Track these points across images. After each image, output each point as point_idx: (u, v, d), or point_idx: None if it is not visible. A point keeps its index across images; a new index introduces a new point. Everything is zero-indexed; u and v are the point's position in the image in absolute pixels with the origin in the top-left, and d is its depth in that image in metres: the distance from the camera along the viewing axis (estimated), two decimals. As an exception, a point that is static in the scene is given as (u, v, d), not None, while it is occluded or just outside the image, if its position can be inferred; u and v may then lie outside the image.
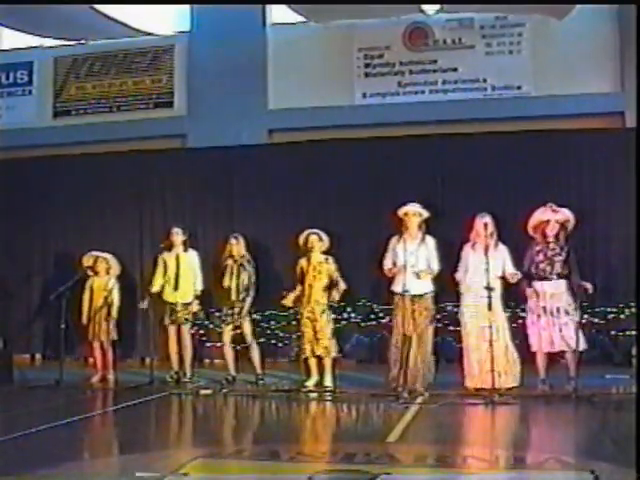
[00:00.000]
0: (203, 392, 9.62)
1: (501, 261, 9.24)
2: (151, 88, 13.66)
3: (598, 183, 11.51)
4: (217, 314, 11.58)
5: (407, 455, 6.19)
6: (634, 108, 10.90)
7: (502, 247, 9.36)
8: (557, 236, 9.32)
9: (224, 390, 9.65)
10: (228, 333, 10.34)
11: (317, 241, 9.99)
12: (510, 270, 9.21)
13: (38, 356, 13.09)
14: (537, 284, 9.25)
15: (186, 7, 13.50)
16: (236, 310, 10.27)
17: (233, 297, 10.29)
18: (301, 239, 10.03)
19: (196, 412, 9.13)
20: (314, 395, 9.41)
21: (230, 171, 12.56)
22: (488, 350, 8.84)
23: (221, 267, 10.47)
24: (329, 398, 9.21)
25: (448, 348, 10.77)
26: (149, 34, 13.09)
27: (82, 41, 13.72)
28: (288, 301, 10.10)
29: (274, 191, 12.27)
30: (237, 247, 10.40)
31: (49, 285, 12.25)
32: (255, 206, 12.32)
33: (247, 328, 10.30)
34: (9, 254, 13.04)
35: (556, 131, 11.70)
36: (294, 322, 11.07)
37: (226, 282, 10.35)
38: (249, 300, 10.30)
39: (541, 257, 9.27)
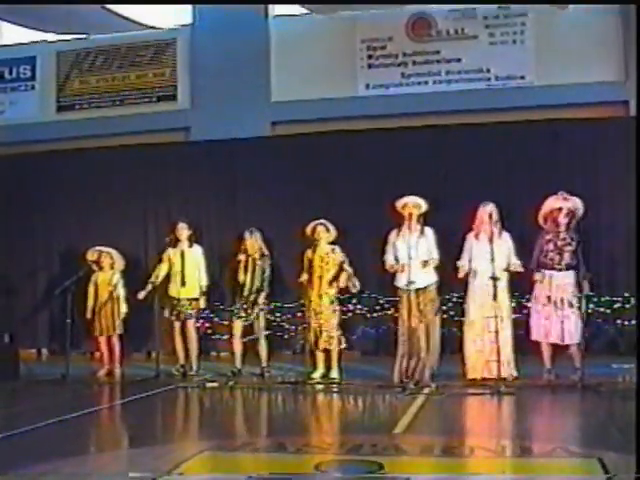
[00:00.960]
0: (210, 385, 9.64)
1: (506, 250, 9.24)
2: (154, 82, 13.64)
3: (602, 172, 11.48)
4: (223, 307, 11.63)
5: (414, 446, 6.18)
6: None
7: (506, 236, 9.37)
8: (568, 225, 9.29)
9: (230, 383, 9.66)
10: (239, 327, 10.34)
11: (324, 232, 9.98)
12: (513, 261, 9.22)
13: (44, 351, 13.12)
14: (545, 273, 9.21)
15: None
16: (249, 305, 10.28)
17: (246, 292, 10.31)
18: (308, 229, 10.03)
19: (203, 405, 9.15)
20: (320, 387, 9.43)
21: (233, 163, 12.55)
22: (493, 340, 8.86)
23: (235, 262, 10.49)
24: (335, 390, 9.23)
25: (453, 339, 10.77)
26: (152, 28, 13.08)
27: (85, 35, 13.71)
28: (303, 278, 10.03)
29: (277, 183, 12.24)
30: (251, 241, 10.40)
31: (54, 280, 12.26)
32: (258, 198, 12.30)
33: (260, 322, 10.33)
34: (14, 249, 13.06)
35: (560, 120, 11.68)
36: (299, 314, 11.09)
37: (241, 277, 10.36)
38: (263, 295, 10.32)
39: (551, 246, 9.22)
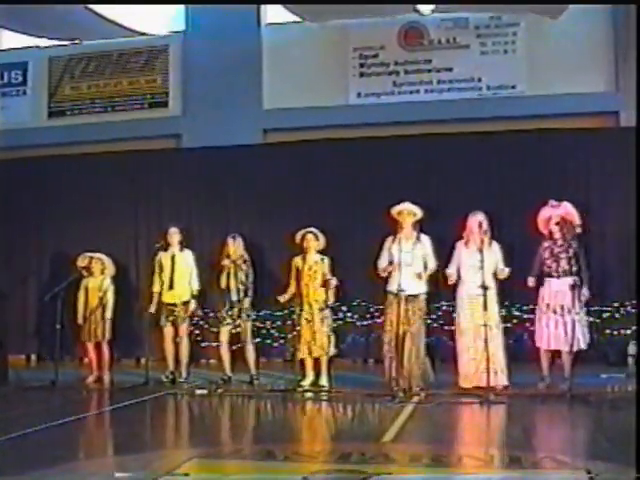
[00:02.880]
0: (199, 392, 9.62)
1: (494, 259, 9.27)
2: (146, 88, 13.65)
3: (592, 182, 11.52)
4: (212, 314, 11.63)
5: (402, 455, 6.19)
6: (628, 107, 10.94)
7: (495, 245, 9.39)
8: (562, 232, 9.38)
9: (219, 390, 9.65)
10: (225, 333, 10.32)
11: (313, 240, 10.00)
12: (500, 266, 9.24)
13: (33, 357, 13.09)
14: (544, 281, 9.34)
15: (181, 7, 13.50)
16: (235, 311, 10.27)
17: (233, 297, 10.29)
18: (297, 237, 10.04)
19: (192, 412, 9.13)
20: (310, 395, 9.41)
21: (225, 171, 12.54)
22: (484, 349, 8.84)
23: (218, 267, 10.50)
24: (325, 398, 9.22)
25: (442, 347, 10.79)
26: (144, 34, 13.07)
27: (77, 41, 13.69)
28: (283, 298, 10.10)
29: (269, 191, 12.26)
30: (234, 247, 10.38)
31: (44, 285, 12.26)
32: (250, 206, 12.33)
33: (246, 329, 10.31)
34: (4, 254, 13.03)
35: (550, 130, 11.71)
36: (289, 322, 11.09)
37: (223, 282, 10.36)
38: (248, 300, 10.31)
39: (547, 254, 9.37)
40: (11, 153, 13.27)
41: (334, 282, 9.86)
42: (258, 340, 10.98)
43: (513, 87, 12.41)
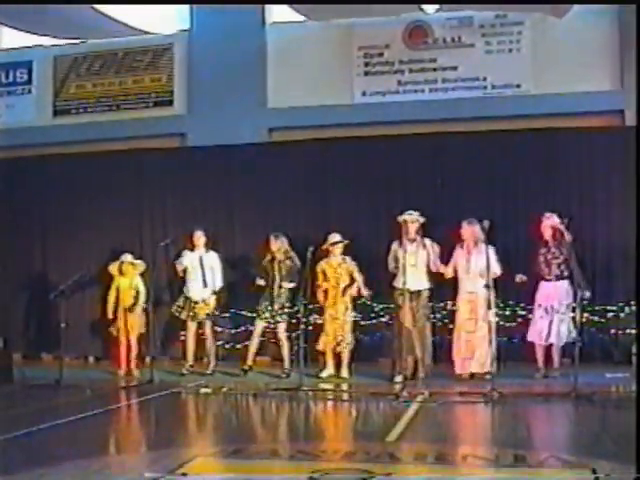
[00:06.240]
0: (203, 391, 9.62)
1: (485, 261, 9.44)
2: (151, 87, 13.63)
3: (598, 181, 11.50)
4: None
5: (407, 454, 6.20)
6: (634, 106, 10.90)
7: (485, 248, 9.52)
8: (554, 240, 10.01)
9: (224, 389, 9.67)
10: (260, 327, 10.86)
11: (341, 246, 10.60)
12: (494, 269, 9.63)
13: (38, 355, 13.07)
14: (539, 284, 10.07)
15: (186, 6, 13.49)
16: (276, 306, 10.76)
17: (274, 293, 10.78)
18: (326, 247, 10.53)
19: (196, 411, 9.14)
20: (313, 394, 9.41)
21: (230, 170, 12.54)
22: (470, 339, 9.95)
23: (261, 265, 10.96)
24: (329, 397, 9.25)
25: (445, 345, 10.82)
26: (149, 33, 13.07)
27: (82, 40, 13.68)
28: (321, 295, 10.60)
29: (274, 189, 12.25)
30: (275, 245, 10.82)
31: (49, 284, 12.25)
32: (254, 204, 12.31)
33: (282, 324, 10.83)
34: (9, 252, 13.03)
35: (556, 129, 11.69)
36: (294, 321, 11.09)
37: (262, 279, 10.82)
38: (286, 296, 10.81)
39: (541, 259, 10.08)
40: (16, 152, 13.26)
41: (365, 292, 10.58)
42: (263, 339, 11.13)
43: (518, 86, 12.37)
